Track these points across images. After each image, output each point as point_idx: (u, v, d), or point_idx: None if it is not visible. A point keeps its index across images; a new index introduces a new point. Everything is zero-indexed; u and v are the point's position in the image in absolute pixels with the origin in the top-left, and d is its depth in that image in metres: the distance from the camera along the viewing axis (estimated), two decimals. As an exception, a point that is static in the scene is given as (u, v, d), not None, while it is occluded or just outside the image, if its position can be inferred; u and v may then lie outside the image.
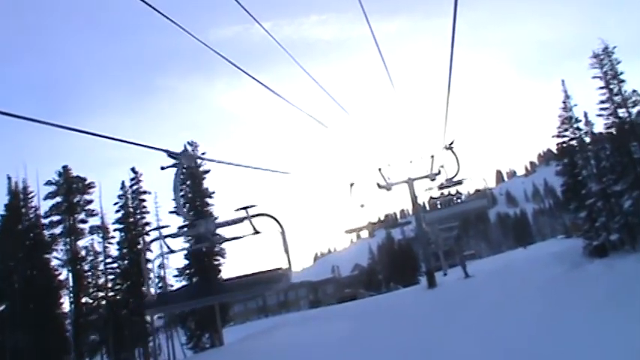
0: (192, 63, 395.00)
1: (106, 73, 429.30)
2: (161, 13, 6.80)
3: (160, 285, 37.66)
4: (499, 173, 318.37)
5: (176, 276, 39.14)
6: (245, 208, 6.82)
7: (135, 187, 39.82)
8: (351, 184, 15.84)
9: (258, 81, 9.21)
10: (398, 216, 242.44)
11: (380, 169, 39.53)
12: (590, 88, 36.78)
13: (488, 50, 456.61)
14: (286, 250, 7.03)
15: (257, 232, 6.89)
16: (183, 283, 39.18)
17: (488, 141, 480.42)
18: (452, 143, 30.07)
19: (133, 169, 40.09)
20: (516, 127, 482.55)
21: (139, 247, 34.99)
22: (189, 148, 40.90)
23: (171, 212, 40.58)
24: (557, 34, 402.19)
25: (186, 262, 39.75)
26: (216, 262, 40.55)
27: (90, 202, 37.48)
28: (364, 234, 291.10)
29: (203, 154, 39.73)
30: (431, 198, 41.50)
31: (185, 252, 39.39)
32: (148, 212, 39.43)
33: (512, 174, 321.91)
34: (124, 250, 38.34)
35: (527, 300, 25.94)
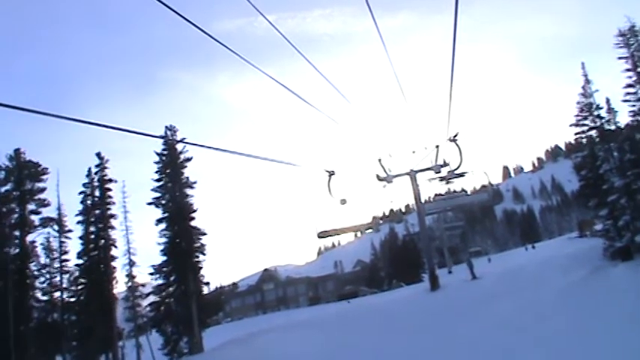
0: (195, 56, 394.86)
1: (107, 65, 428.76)
2: (165, 5, 6.69)
3: (129, 285, 34.34)
4: (506, 169, 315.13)
5: (152, 274, 35.61)
6: None
7: (100, 175, 36.15)
8: (330, 174, 11.55)
9: (264, 72, 9.22)
10: (403, 211, 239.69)
11: (380, 160, 36.78)
12: (601, 84, 33.67)
13: (495, 46, 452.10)
14: None
15: None
16: (160, 282, 35.74)
17: (495, 136, 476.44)
18: (456, 136, 27.05)
19: (98, 154, 36.42)
20: (524, 122, 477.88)
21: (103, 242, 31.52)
22: (168, 133, 37.41)
23: (149, 203, 37.18)
24: (564, 30, 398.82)
25: (164, 258, 36.16)
26: (197, 260, 36.89)
27: (42, 190, 33.81)
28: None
29: (183, 139, 36.11)
30: (436, 195, 38.59)
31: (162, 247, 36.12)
32: (113, 203, 35.88)
33: (519, 170, 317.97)
34: (90, 246, 34.86)
35: (546, 311, 22.63)
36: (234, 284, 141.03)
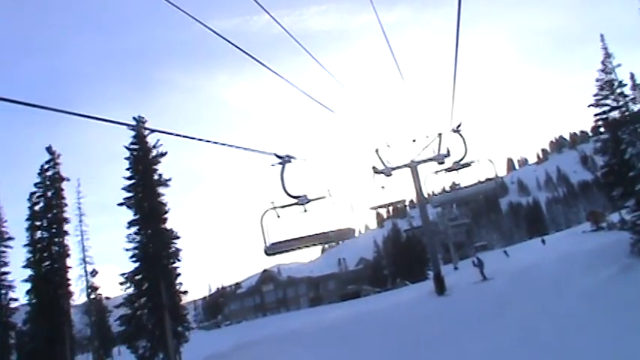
0: (193, 56, 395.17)
1: (104, 66, 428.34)
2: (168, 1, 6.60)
3: (92, 296, 30.44)
4: (510, 161, 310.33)
5: (122, 283, 31.83)
6: None
7: (50, 173, 32.10)
8: (283, 161, 7.62)
9: (268, 67, 8.49)
10: (406, 204, 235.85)
11: (377, 151, 33.83)
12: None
13: (496, 38, 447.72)
14: None
15: None
16: (130, 291, 31.87)
17: (499, 129, 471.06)
18: (459, 126, 24.97)
19: (48, 149, 32.36)
20: (527, 114, 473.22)
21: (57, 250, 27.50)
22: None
23: (120, 204, 33.32)
24: (567, 20, 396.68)
25: (135, 265, 32.21)
26: (173, 266, 33.02)
27: (-27, 193, 29.98)
28: (372, 222, 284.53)
29: (153, 132, 32.23)
30: (444, 191, 35.58)
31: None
32: (66, 205, 31.93)
33: (524, 162, 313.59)
34: (42, 254, 30.89)
35: (572, 319, 18.90)
36: (237, 284, 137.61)
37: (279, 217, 8.84)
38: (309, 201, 8.75)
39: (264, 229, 8.76)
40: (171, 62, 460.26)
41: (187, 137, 7.89)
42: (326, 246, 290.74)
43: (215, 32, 7.46)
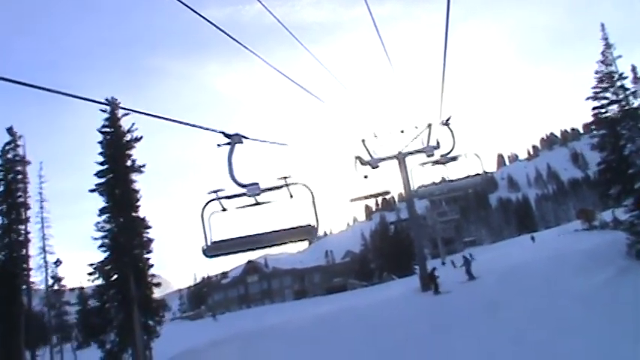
0: (185, 44, 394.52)
1: (96, 53, 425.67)
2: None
3: (55, 288, 28.71)
4: (500, 157, 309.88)
5: (90, 274, 30.16)
6: None
7: (11, 155, 30.20)
8: (232, 141, 6.30)
9: (260, 57, 8.92)
10: (396, 199, 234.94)
11: (364, 141, 32.43)
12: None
13: (488, 33, 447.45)
14: None
15: None
16: (99, 282, 30.20)
17: (490, 124, 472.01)
18: (449, 119, 23.65)
19: (9, 130, 30.46)
20: (519, 110, 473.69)
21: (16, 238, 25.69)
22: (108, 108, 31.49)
23: (92, 190, 31.52)
24: (558, 18, 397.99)
25: (105, 255, 30.49)
26: (145, 257, 31.29)
27: None
28: (360, 215, 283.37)
29: (127, 114, 30.39)
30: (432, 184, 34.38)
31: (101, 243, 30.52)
32: (27, 190, 30.00)
33: (514, 158, 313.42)
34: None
35: (565, 320, 17.96)
36: (224, 274, 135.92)
37: (224, 209, 7.13)
38: (261, 191, 7.02)
39: (206, 225, 7.05)
40: (162, 50, 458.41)
41: (146, 114, 6.59)
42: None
43: (208, 20, 7.15)
